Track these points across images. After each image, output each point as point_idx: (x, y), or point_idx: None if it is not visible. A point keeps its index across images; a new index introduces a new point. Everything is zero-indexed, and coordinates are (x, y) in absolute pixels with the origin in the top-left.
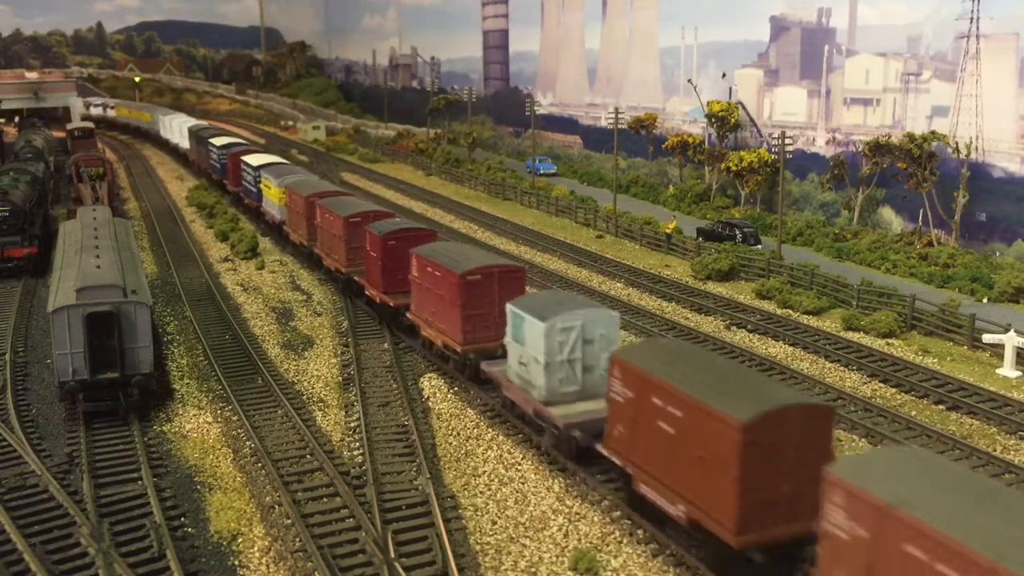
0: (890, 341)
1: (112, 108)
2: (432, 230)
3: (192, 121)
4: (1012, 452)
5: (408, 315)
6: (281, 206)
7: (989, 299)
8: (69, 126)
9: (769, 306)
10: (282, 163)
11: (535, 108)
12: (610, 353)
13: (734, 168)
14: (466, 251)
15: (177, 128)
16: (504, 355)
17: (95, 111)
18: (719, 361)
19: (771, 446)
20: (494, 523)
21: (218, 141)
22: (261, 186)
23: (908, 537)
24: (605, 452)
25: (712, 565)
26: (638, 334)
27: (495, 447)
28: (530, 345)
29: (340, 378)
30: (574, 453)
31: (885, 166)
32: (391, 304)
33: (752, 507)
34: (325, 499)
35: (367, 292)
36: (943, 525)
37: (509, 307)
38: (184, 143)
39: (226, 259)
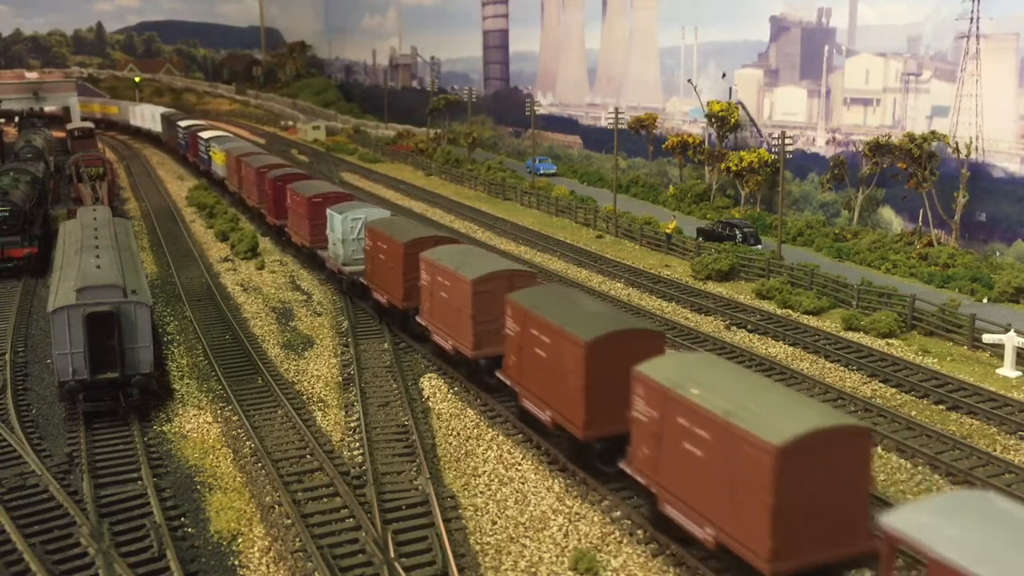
0: (890, 341)
1: None
2: (308, 173)
3: (162, 109)
4: (1012, 452)
5: (286, 229)
6: (223, 166)
7: (989, 299)
8: (69, 126)
9: (769, 306)
10: (225, 135)
11: (535, 108)
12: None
13: (734, 168)
14: (319, 184)
15: (149, 115)
16: None
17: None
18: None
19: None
20: (494, 523)
21: (183, 123)
22: (210, 153)
23: None
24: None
25: None
26: None
27: (495, 447)
28: (335, 231)
29: (340, 378)
30: (359, 291)
31: (885, 166)
32: (277, 223)
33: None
34: (325, 499)
35: (267, 220)
36: None
37: (328, 210)
38: (156, 128)
39: (226, 259)
